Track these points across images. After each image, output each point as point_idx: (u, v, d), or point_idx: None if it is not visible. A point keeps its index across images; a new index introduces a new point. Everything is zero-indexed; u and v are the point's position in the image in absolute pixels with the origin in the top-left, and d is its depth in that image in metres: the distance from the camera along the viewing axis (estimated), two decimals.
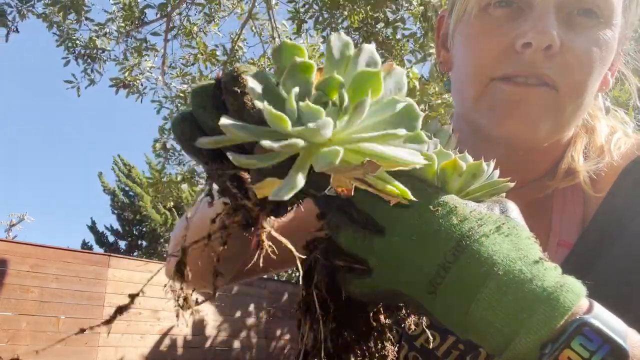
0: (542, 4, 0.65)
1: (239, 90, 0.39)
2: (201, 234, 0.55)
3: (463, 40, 0.73)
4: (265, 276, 6.85)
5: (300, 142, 0.33)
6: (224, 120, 0.34)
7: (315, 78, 0.35)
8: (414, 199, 0.40)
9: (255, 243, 0.40)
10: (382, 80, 0.35)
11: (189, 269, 0.70)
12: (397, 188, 0.38)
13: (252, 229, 0.40)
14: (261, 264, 0.38)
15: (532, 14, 0.66)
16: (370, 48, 0.37)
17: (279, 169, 0.37)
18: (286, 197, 0.34)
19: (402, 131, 0.36)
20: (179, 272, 0.38)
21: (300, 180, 0.34)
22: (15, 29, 5.37)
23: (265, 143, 0.32)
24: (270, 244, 0.40)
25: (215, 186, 0.42)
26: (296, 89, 0.34)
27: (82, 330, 0.38)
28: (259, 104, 0.33)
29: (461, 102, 0.75)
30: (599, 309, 0.41)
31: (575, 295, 0.40)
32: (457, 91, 0.76)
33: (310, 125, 0.32)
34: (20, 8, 5.34)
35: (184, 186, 6.19)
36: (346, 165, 0.37)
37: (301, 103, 0.33)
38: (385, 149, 0.36)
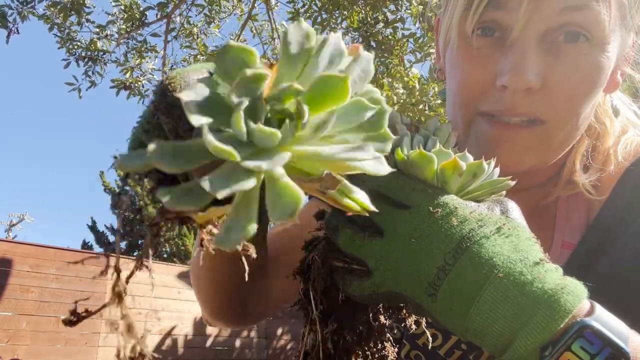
0: (522, 37, 0.61)
1: (171, 105, 0.33)
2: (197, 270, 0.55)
3: (449, 67, 0.71)
4: None
5: (252, 183, 0.27)
6: (150, 147, 0.28)
7: (268, 79, 0.29)
8: (374, 209, 0.36)
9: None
10: (349, 84, 0.30)
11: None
12: (357, 202, 0.34)
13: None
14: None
15: (513, 49, 0.62)
16: (336, 39, 0.32)
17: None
18: (237, 247, 0.28)
19: (368, 151, 0.31)
20: None
21: (253, 227, 0.28)
22: (16, 30, 5.36)
23: (206, 185, 0.26)
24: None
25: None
26: (245, 103, 0.28)
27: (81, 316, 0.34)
28: (196, 122, 0.27)
29: (454, 125, 0.74)
30: (600, 311, 0.41)
31: (576, 297, 0.40)
32: (449, 112, 0.74)
33: (264, 163, 0.27)
34: (20, 10, 5.33)
35: None
36: (303, 177, 0.31)
37: (252, 125, 0.28)
38: (347, 155, 0.31)
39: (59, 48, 5.92)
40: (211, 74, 0.34)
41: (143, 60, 6.26)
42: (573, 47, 0.61)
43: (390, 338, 0.50)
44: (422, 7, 4.57)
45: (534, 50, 0.61)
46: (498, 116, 0.64)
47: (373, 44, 4.89)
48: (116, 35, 6.07)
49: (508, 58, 0.62)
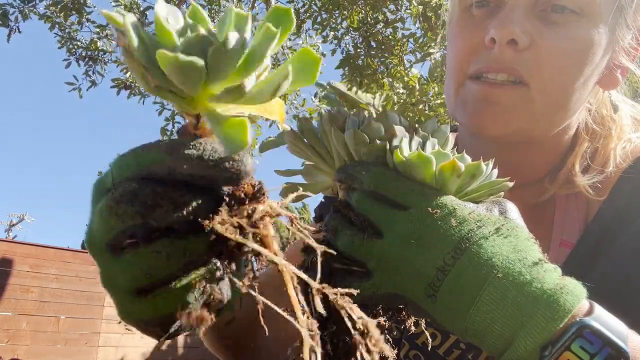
0: (512, 0, 0.66)
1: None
2: None
3: (448, 40, 0.75)
4: None
5: None
6: None
7: None
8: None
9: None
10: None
11: None
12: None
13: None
14: None
15: (504, 10, 0.66)
16: None
17: None
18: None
19: None
20: None
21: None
22: (17, 30, 5.36)
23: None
24: None
25: None
26: None
27: None
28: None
29: (447, 100, 0.76)
30: (599, 310, 0.41)
31: (575, 297, 0.40)
32: (445, 94, 0.78)
33: None
34: (22, 8, 5.33)
35: None
36: None
37: None
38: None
39: (59, 47, 5.92)
40: None
41: None
42: (561, 16, 0.65)
43: (390, 340, 0.50)
44: (422, 7, 4.56)
45: (523, 11, 0.64)
46: (485, 74, 0.67)
47: (373, 44, 4.88)
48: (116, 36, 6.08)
49: (498, 17, 0.66)
